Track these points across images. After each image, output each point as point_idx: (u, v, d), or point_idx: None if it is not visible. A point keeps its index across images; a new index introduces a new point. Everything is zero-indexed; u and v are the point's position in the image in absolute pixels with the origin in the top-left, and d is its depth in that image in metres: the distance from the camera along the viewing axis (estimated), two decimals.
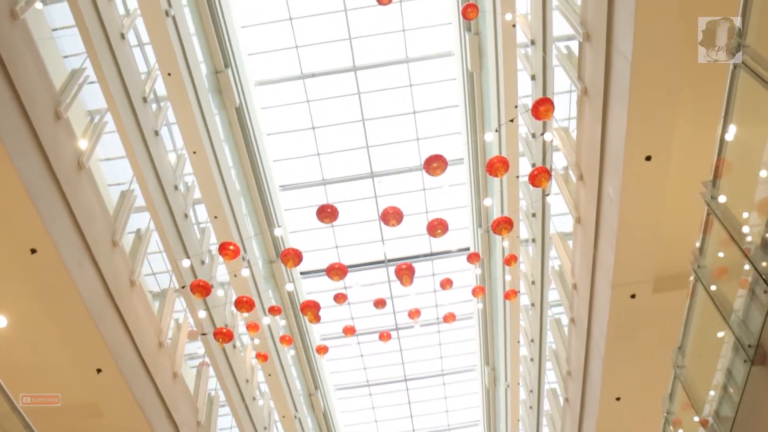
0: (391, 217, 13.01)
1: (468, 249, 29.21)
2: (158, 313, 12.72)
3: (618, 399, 12.38)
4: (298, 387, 26.02)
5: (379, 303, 21.21)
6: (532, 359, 18.87)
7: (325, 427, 28.70)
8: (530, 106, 10.47)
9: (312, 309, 12.91)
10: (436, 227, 11.87)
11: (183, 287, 13.13)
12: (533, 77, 13.09)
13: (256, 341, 19.90)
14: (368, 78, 23.09)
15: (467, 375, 34.96)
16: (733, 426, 6.89)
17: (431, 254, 30.14)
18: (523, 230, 18.53)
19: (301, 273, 27.54)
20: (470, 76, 19.17)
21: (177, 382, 12.90)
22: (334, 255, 27.93)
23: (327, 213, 11.39)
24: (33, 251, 8.72)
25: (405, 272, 12.57)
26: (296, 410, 24.43)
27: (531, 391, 19.75)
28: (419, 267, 30.72)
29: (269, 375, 22.44)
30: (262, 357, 19.06)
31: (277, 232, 18.03)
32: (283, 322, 22.43)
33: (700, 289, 7.47)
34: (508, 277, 19.23)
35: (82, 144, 10.02)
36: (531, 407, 20.13)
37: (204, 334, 14.01)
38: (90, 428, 11.49)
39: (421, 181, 28.01)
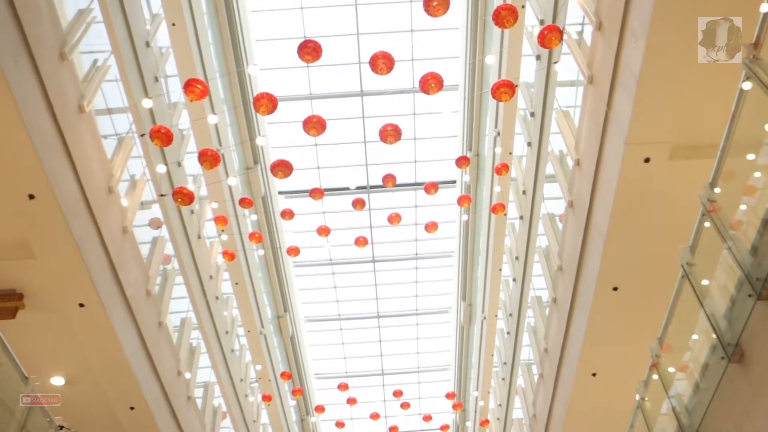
0: (389, 134, 11.80)
1: (455, 182, 28.06)
2: (112, 159, 11.36)
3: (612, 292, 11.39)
4: (266, 302, 24.82)
5: (360, 242, 20.10)
6: (514, 279, 17.71)
7: (291, 351, 27.53)
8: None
9: (283, 167, 11.62)
10: (429, 81, 10.55)
11: (143, 135, 11.76)
12: None
13: (224, 237, 18.61)
14: None
15: (441, 317, 33.93)
16: (703, 419, 7.06)
17: (416, 183, 28.88)
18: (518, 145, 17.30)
19: (281, 192, 26.29)
20: None
21: (127, 239, 11.57)
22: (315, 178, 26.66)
23: (309, 49, 10.04)
24: None
25: (390, 133, 11.27)
26: (262, 326, 23.22)
27: (510, 314, 18.64)
28: (403, 197, 29.49)
29: (236, 284, 21.21)
30: (228, 255, 17.83)
31: (251, 70, 16.50)
32: (254, 217, 21.11)
33: (687, 286, 7.38)
34: (497, 188, 17.98)
35: None
36: (508, 333, 19.04)
37: (163, 195, 12.66)
38: (20, 273, 10.20)
39: (412, 106, 26.74)
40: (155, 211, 13.21)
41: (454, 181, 27.67)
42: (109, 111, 11.66)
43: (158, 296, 13.22)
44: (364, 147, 27.55)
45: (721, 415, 6.79)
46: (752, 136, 6.52)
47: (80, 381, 11.66)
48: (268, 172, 24.10)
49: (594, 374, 12.08)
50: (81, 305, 10.33)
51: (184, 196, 11.96)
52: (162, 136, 11.10)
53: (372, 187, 28.11)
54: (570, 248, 11.88)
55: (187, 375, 14.89)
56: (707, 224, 6.74)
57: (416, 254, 31.49)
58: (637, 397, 8.73)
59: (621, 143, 9.14)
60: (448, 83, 26.27)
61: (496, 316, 22.08)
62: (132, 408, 11.96)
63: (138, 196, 12.11)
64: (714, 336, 6.69)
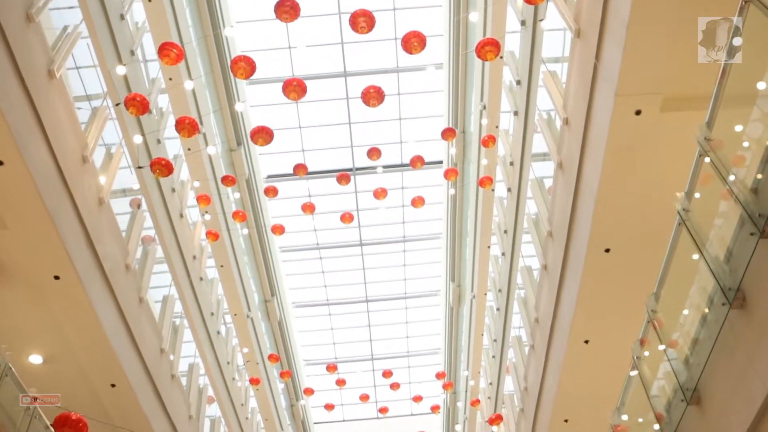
0: (372, 96, 11.46)
1: (441, 162, 27.78)
2: (86, 128, 10.97)
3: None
4: (252, 287, 24.46)
5: (346, 218, 19.77)
6: (503, 253, 17.44)
7: (279, 337, 27.18)
8: None
9: (263, 134, 11.26)
10: (412, 40, 10.22)
11: (117, 105, 11.37)
12: None
13: (207, 217, 18.23)
14: None
15: (431, 300, 33.67)
16: (703, 372, 6.81)
17: (402, 165, 28.57)
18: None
19: (265, 177, 25.93)
20: None
21: (103, 211, 11.19)
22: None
23: (287, 8, 9.68)
24: None
25: (373, 95, 10.94)
26: (249, 310, 22.87)
27: (500, 290, 18.37)
28: (390, 178, 29.15)
29: (221, 266, 20.84)
30: (212, 235, 17.49)
31: (227, 32, 16.07)
32: (237, 195, 20.74)
33: (684, 234, 7.08)
34: (484, 161, 17.69)
35: None
36: (498, 309, 18.77)
37: (140, 167, 12.28)
38: None
39: (397, 86, 26.40)
40: (132, 180, 12.79)
41: (441, 162, 27.41)
42: (82, 81, 11.27)
43: (138, 272, 12.84)
44: (349, 128, 27.23)
45: (723, 366, 6.53)
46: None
47: (59, 359, 11.28)
48: (252, 155, 23.77)
49: (586, 341, 11.83)
50: (56, 278, 9.96)
51: (162, 167, 11.63)
52: (137, 104, 10.75)
53: (358, 168, 27.79)
54: (560, 212, 11.60)
55: (171, 357, 14.56)
56: (707, 160, 6.42)
57: (404, 237, 31.20)
58: (633, 356, 8.46)
59: (611, 95, 8.85)
60: (433, 61, 26.15)
61: (485, 294, 21.84)
62: (113, 386, 11.61)
63: (115, 168, 11.73)
64: (714, 282, 6.42)
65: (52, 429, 8.44)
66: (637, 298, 9.05)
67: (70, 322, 10.63)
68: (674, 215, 7.29)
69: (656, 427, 7.80)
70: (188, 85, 12.90)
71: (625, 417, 9.06)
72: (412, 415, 35.09)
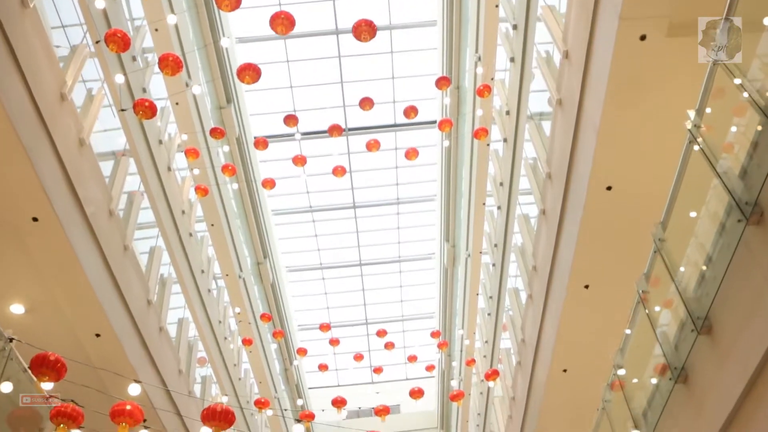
0: (364, 31, 10.97)
1: (434, 122, 27.32)
2: (65, 66, 10.48)
3: None
4: (246, 252, 24.08)
5: (338, 171, 19.32)
6: (499, 207, 17.05)
7: (273, 299, 26.84)
8: None
9: (250, 71, 10.79)
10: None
11: (97, 42, 10.86)
12: None
13: (196, 171, 17.77)
14: None
15: (425, 263, 33.37)
16: (715, 297, 6.40)
17: (395, 125, 28.11)
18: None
19: (257, 136, 25.34)
20: None
21: (84, 153, 10.72)
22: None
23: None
24: None
25: (365, 29, 10.47)
26: (241, 270, 22.49)
27: (495, 245, 18.01)
28: (383, 138, 28.66)
29: (212, 225, 20.41)
30: (201, 191, 17.06)
31: None
32: (226, 148, 20.28)
33: (694, 152, 6.69)
34: (479, 111, 17.23)
35: None
36: (494, 265, 18.43)
37: (123, 110, 11.80)
38: None
39: (390, 44, 25.88)
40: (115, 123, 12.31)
41: (434, 121, 26.97)
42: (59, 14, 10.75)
43: (123, 220, 12.41)
44: (341, 87, 26.74)
45: (736, 291, 6.16)
46: None
47: (41, 307, 10.87)
48: (243, 114, 23.27)
49: (586, 286, 11.46)
50: (35, 219, 9.53)
51: (146, 109, 11.15)
52: (118, 41, 10.28)
53: (350, 129, 27.31)
54: (559, 152, 11.19)
55: (160, 310, 14.18)
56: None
57: (398, 199, 30.83)
58: (638, 290, 8.09)
59: (614, 19, 8.40)
60: (426, 19, 25.62)
61: (480, 252, 21.52)
62: (98, 335, 11.23)
63: (96, 108, 11.24)
64: (728, 198, 6.03)
65: (29, 371, 8.06)
66: (640, 238, 8.69)
67: (51, 267, 10.21)
68: (682, 143, 6.91)
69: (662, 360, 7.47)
70: (171, 19, 12.37)
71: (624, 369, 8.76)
72: (407, 379, 34.94)
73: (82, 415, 8.33)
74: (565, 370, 13.12)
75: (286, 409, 27.15)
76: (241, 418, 20.50)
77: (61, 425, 8.22)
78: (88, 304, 10.73)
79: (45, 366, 7.64)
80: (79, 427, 8.69)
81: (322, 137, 27.38)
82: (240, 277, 22.36)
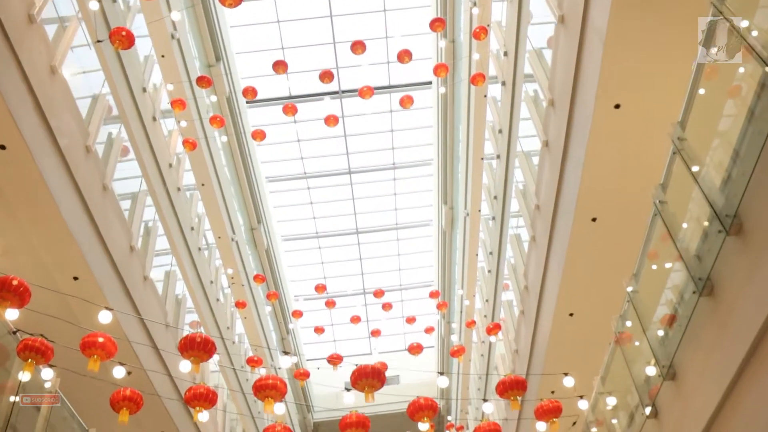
0: None
1: (429, 83, 26.66)
2: None
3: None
4: (240, 219, 23.45)
5: (330, 120, 18.62)
6: (498, 156, 16.38)
7: (267, 266, 26.21)
8: None
9: None
10: None
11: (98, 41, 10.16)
12: None
13: (183, 123, 17.05)
14: None
15: (423, 230, 32.73)
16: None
17: (390, 87, 27.38)
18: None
19: (248, 102, 24.66)
20: None
21: (56, 81, 9.98)
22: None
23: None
24: None
25: None
26: (233, 233, 21.83)
27: (495, 197, 17.36)
28: (378, 101, 27.70)
29: (203, 185, 19.72)
30: (189, 144, 16.39)
31: None
32: (213, 98, 19.58)
33: None
34: (475, 55, 16.51)
35: None
36: (493, 218, 17.77)
37: (99, 41, 11.07)
38: None
39: (382, 3, 25.15)
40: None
41: (429, 82, 26.31)
42: None
43: (102, 159, 11.71)
44: (334, 48, 26.00)
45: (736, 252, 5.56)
46: None
47: (14, 250, 10.18)
48: (233, 73, 22.55)
49: (594, 219, 10.80)
50: (2, 147, 8.84)
51: (122, 39, 10.50)
52: (123, 39, 9.71)
53: (344, 91, 26.62)
54: (562, 77, 10.49)
55: (150, 267, 13.49)
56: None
57: (394, 164, 30.15)
58: (655, 201, 7.41)
59: None
60: None
61: (479, 210, 20.89)
62: (75, 278, 10.56)
63: (69, 36, 10.50)
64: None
65: None
66: (651, 158, 8.08)
67: (22, 203, 9.51)
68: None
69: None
70: None
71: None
72: (405, 350, 34.41)
73: (52, 350, 7.70)
74: (571, 314, 12.48)
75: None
76: (235, 380, 19.94)
77: (29, 360, 7.59)
78: (62, 243, 10.05)
79: (5, 290, 6.96)
80: (48, 364, 8.09)
81: (315, 100, 26.76)
82: (233, 239, 21.72)
